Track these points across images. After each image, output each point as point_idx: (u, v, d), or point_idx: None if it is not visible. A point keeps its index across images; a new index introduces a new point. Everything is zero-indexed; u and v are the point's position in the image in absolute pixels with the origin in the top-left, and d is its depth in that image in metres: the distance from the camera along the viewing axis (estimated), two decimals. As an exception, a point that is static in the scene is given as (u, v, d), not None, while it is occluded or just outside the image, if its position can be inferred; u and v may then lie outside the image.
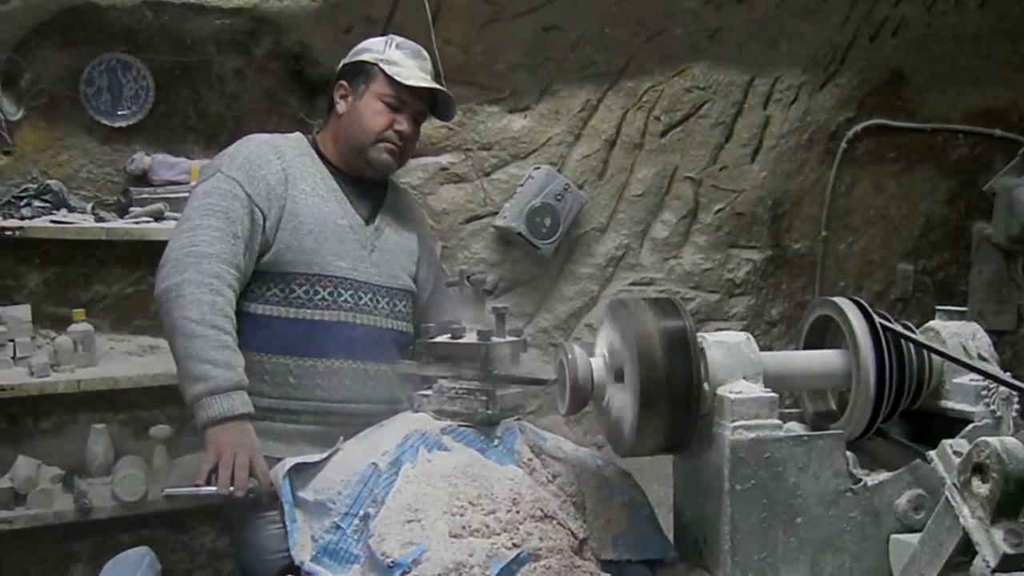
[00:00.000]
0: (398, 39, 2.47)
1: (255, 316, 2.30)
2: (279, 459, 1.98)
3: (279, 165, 2.35)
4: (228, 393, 2.07)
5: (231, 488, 2.01)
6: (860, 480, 1.67)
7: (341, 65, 2.49)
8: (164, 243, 2.85)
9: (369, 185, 2.50)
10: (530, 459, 1.83)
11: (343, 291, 2.35)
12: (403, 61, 2.41)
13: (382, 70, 2.38)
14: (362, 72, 2.42)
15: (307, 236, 2.32)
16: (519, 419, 1.99)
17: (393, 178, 2.65)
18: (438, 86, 2.45)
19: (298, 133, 2.53)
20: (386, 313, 2.42)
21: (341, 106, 2.44)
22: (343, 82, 2.45)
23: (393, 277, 2.46)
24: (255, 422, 2.14)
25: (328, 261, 2.34)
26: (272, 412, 2.28)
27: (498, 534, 1.60)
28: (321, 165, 2.44)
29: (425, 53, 2.49)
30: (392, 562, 1.54)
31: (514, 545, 1.58)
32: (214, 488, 2.03)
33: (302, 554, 1.74)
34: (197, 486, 2.05)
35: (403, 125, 2.40)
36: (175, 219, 2.94)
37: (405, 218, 2.58)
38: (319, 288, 2.32)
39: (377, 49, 2.43)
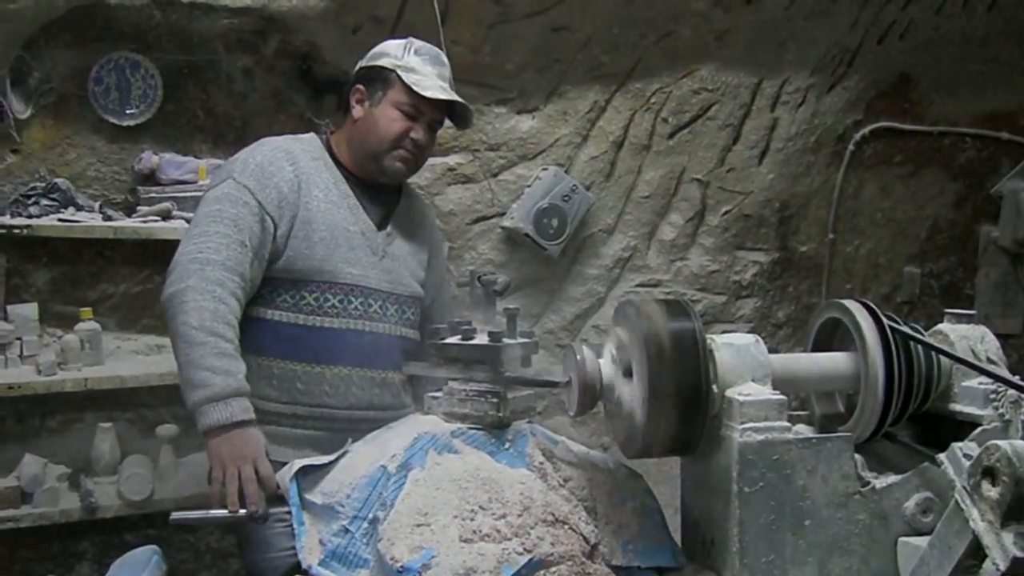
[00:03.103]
0: (417, 43, 2.42)
1: (265, 321, 2.30)
2: (284, 463, 1.98)
3: (292, 172, 2.33)
4: (227, 400, 2.05)
5: (242, 511, 1.99)
6: (868, 483, 1.67)
7: (358, 68, 2.46)
8: (171, 242, 2.87)
9: (382, 189, 2.48)
10: (541, 463, 1.82)
11: (353, 299, 2.34)
12: (422, 68, 2.37)
13: (400, 77, 2.35)
14: (380, 78, 2.38)
15: (318, 244, 2.31)
16: (530, 421, 1.98)
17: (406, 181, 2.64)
18: (456, 98, 2.40)
19: (311, 134, 2.51)
20: (395, 320, 2.42)
21: (357, 111, 2.41)
22: (360, 86, 2.42)
23: (403, 284, 2.45)
24: (262, 426, 2.13)
25: (339, 268, 2.32)
26: (278, 417, 2.29)
27: (509, 539, 1.59)
28: (335, 169, 2.42)
29: (444, 58, 2.45)
30: (401, 567, 1.53)
31: (525, 550, 1.57)
32: (224, 512, 2.00)
33: (310, 557, 1.73)
34: (206, 510, 2.03)
35: (419, 134, 2.38)
36: (183, 218, 2.96)
37: (417, 223, 2.57)
38: (329, 295, 2.31)
39: (396, 54, 2.39)
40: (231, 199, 2.24)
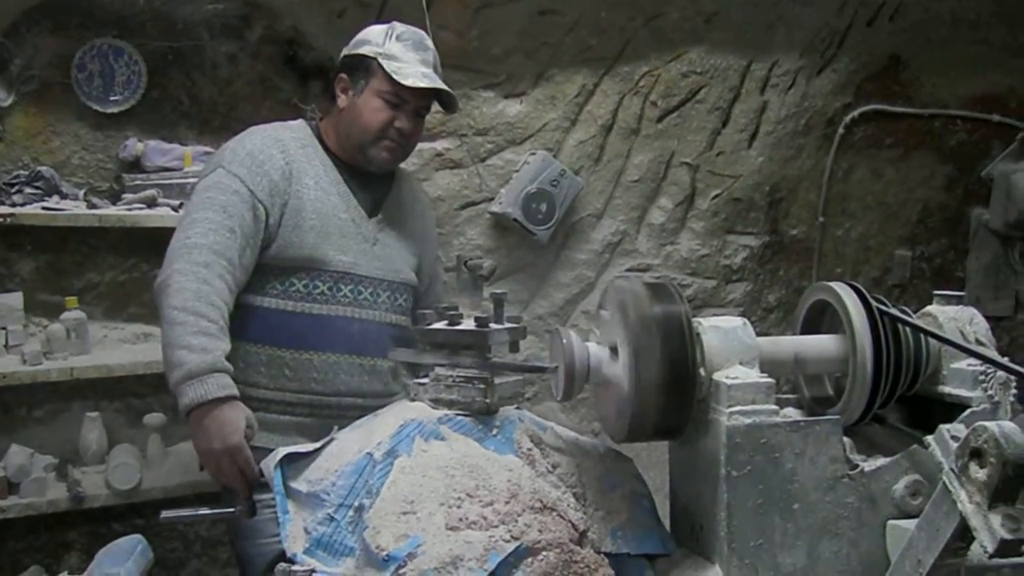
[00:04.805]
0: (400, 28, 2.40)
1: (253, 307, 2.30)
2: (272, 450, 1.97)
3: (282, 160, 2.32)
4: (202, 378, 2.04)
5: (229, 509, 2.01)
6: (857, 466, 1.67)
7: (342, 56, 2.45)
8: (157, 230, 2.87)
9: (373, 176, 2.47)
10: (529, 449, 1.81)
11: (343, 286, 2.34)
12: (403, 55, 2.35)
13: (381, 66, 2.33)
14: (362, 67, 2.37)
15: (309, 232, 2.31)
16: (518, 407, 1.97)
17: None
18: (438, 85, 2.38)
19: (301, 121, 2.50)
20: (386, 307, 2.42)
21: (342, 100, 2.41)
22: (343, 75, 2.41)
23: (395, 271, 2.45)
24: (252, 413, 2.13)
25: (330, 256, 2.33)
26: (267, 403, 2.30)
27: (496, 526, 1.58)
28: (324, 156, 2.41)
29: (428, 42, 2.42)
30: (387, 555, 1.52)
31: (512, 537, 1.56)
32: (213, 510, 2.03)
33: (294, 546, 1.72)
34: (195, 509, 2.06)
35: (403, 123, 2.37)
36: (168, 205, 2.95)
37: (410, 208, 2.56)
38: (319, 282, 2.32)
39: (377, 41, 2.37)
40: (221, 187, 2.24)
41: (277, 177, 2.29)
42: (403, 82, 2.31)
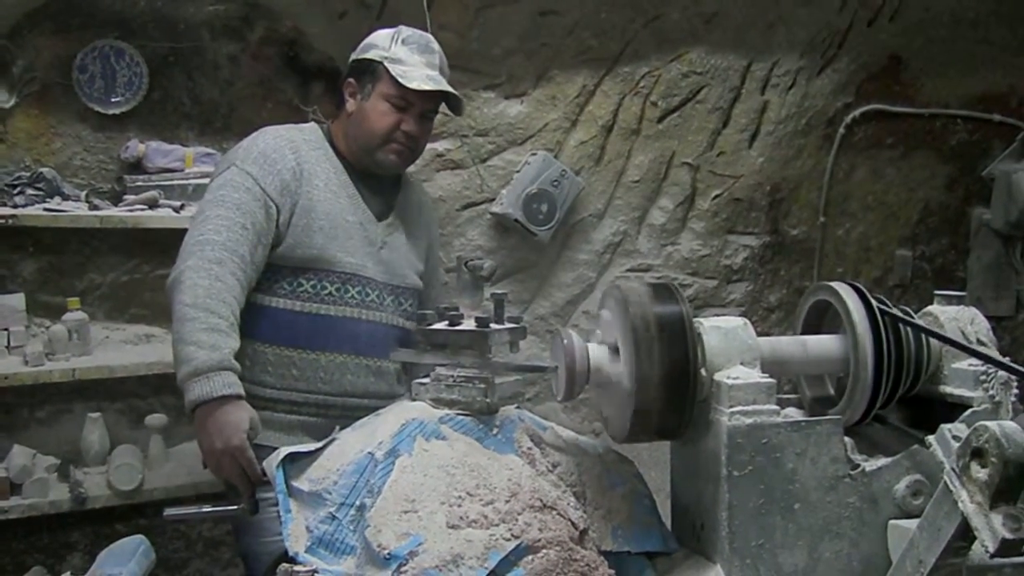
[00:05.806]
0: (406, 32, 2.43)
1: (262, 307, 2.32)
2: (277, 449, 1.98)
3: (293, 160, 2.34)
4: (208, 375, 2.05)
5: (232, 507, 2.02)
6: (858, 466, 1.67)
7: (350, 61, 2.47)
8: (159, 231, 2.86)
9: (382, 180, 2.50)
10: (529, 448, 1.81)
11: (350, 287, 2.36)
12: (409, 58, 2.37)
13: (387, 69, 2.35)
14: (368, 71, 2.40)
15: (318, 233, 2.33)
16: (518, 407, 1.97)
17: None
18: (442, 88, 2.40)
19: (312, 124, 2.53)
20: (392, 310, 2.44)
21: (350, 104, 2.43)
22: (351, 80, 2.44)
23: (401, 275, 2.47)
24: (257, 412, 2.13)
25: (338, 258, 2.35)
26: (273, 402, 2.31)
27: (496, 525, 1.58)
28: (335, 159, 2.44)
29: (435, 45, 2.44)
30: (388, 554, 1.53)
31: (513, 536, 1.56)
32: (216, 507, 2.04)
33: (296, 545, 1.72)
34: (199, 506, 2.07)
35: (410, 125, 2.39)
36: (169, 206, 2.95)
37: (416, 214, 2.59)
38: (327, 283, 2.34)
39: (383, 45, 2.39)
40: (234, 185, 2.27)
41: (288, 176, 2.32)
42: (408, 85, 2.33)
